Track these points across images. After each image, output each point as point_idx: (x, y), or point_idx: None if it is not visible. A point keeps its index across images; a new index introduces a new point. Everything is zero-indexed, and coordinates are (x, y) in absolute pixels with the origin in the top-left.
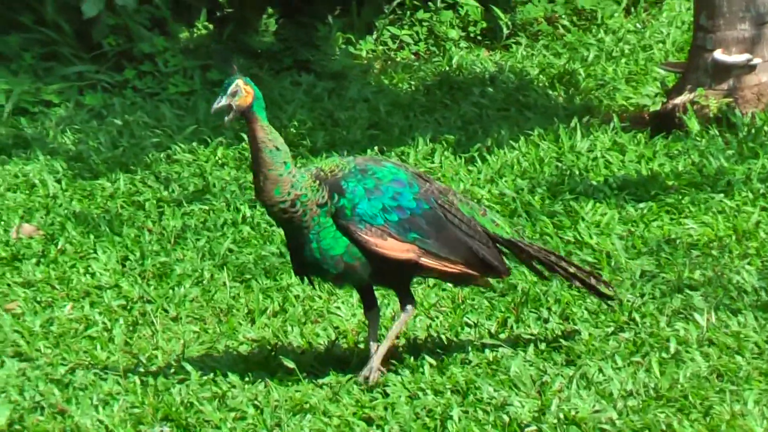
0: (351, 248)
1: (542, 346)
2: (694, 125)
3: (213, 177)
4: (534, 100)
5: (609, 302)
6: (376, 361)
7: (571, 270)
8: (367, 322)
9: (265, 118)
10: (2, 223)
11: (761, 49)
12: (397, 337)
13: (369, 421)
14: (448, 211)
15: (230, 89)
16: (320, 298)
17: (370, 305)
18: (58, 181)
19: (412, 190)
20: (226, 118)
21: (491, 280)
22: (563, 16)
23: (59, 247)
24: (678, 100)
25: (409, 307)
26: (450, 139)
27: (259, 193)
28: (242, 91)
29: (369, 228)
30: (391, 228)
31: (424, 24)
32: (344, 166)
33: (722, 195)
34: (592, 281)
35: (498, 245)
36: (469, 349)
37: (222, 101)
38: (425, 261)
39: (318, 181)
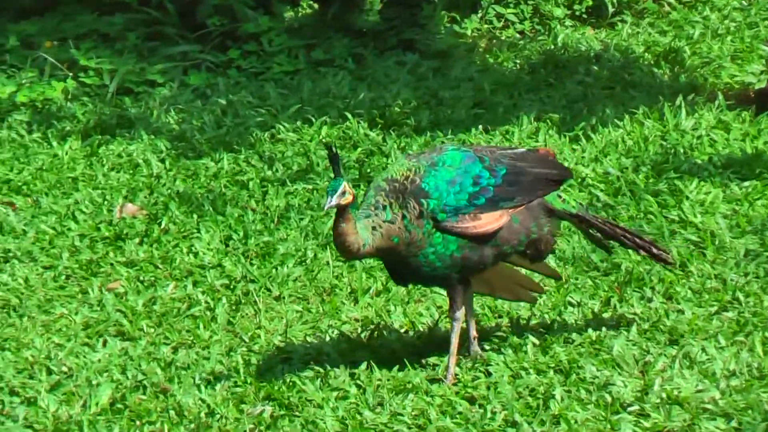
0: (458, 240)
1: (645, 325)
2: None
3: (317, 156)
4: (639, 78)
5: (669, 268)
6: (452, 360)
7: (633, 239)
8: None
9: (354, 213)
10: (106, 202)
11: None
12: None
13: (471, 401)
14: (516, 160)
15: (339, 190)
16: None
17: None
18: (162, 161)
19: (483, 164)
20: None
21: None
22: None
23: (162, 226)
24: None
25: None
26: (554, 118)
27: (354, 259)
28: (348, 193)
29: (462, 217)
30: (481, 211)
31: (530, 2)
32: (416, 168)
33: None
34: (654, 250)
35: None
36: (572, 328)
37: (332, 202)
38: (515, 215)
39: (400, 196)
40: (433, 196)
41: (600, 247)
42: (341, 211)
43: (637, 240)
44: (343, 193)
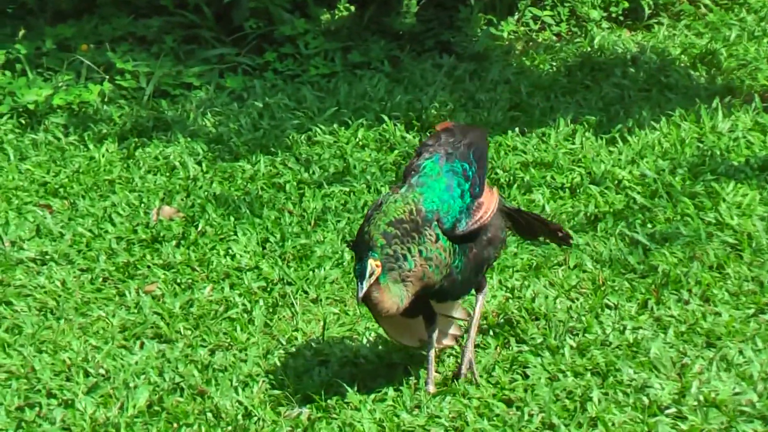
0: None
1: (682, 327)
2: None
3: (353, 159)
4: (675, 80)
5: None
6: (468, 354)
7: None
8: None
9: (386, 280)
10: (143, 205)
11: None
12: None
13: (509, 403)
14: (460, 141)
15: (367, 272)
16: None
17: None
18: (199, 164)
19: (453, 156)
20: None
21: None
22: None
23: (199, 229)
24: None
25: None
26: (591, 120)
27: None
28: (375, 269)
29: (472, 212)
30: (479, 197)
31: (566, 4)
32: (410, 197)
33: None
34: (558, 234)
35: None
36: (610, 330)
37: (364, 287)
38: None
39: (414, 234)
40: (443, 210)
41: (559, 241)
42: (373, 283)
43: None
44: (372, 273)
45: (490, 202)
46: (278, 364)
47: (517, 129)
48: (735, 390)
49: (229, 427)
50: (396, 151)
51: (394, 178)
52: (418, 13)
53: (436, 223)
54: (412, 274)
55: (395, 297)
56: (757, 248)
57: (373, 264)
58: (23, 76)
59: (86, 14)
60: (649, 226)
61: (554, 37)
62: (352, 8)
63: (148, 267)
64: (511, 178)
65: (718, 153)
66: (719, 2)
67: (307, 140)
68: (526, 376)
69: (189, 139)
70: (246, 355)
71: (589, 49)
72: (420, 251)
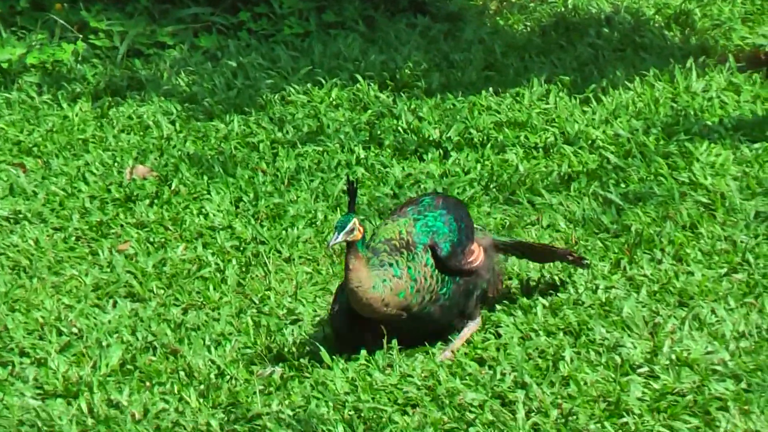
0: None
1: (655, 287)
2: None
3: (327, 118)
4: (649, 40)
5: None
6: (457, 343)
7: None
8: None
9: (363, 250)
10: (116, 164)
11: None
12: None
13: (481, 362)
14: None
15: (348, 227)
16: None
17: None
18: (172, 123)
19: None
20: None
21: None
22: None
23: (173, 188)
24: None
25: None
26: (565, 80)
27: (365, 308)
28: (357, 230)
29: (465, 252)
30: (469, 245)
31: None
32: (403, 223)
33: None
34: (569, 257)
35: None
36: (582, 290)
37: (339, 238)
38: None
39: (404, 251)
40: (439, 236)
41: (572, 264)
42: (350, 248)
43: (558, 251)
44: (352, 230)
45: (479, 253)
46: (251, 323)
47: (491, 89)
48: (707, 349)
49: (202, 386)
50: (369, 111)
51: (367, 138)
52: None
53: (429, 250)
54: (394, 280)
55: (374, 277)
56: (730, 208)
57: (356, 223)
58: None
59: None
60: (623, 185)
61: None
62: None
63: (122, 226)
64: (485, 137)
65: (692, 113)
66: None
67: (281, 100)
68: (498, 336)
69: (163, 99)
70: (219, 314)
71: (563, 9)
72: (408, 267)
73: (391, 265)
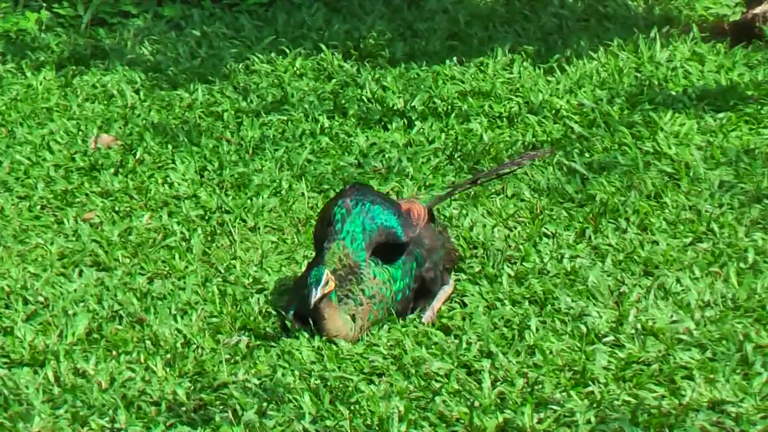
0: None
1: (620, 256)
2: None
3: (291, 87)
4: (614, 10)
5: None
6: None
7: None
8: None
9: (335, 300)
10: (81, 133)
11: None
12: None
13: (447, 331)
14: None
15: (323, 280)
16: None
17: None
18: (137, 92)
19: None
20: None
21: None
22: None
23: (137, 157)
24: (758, 10)
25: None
26: (529, 50)
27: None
28: (331, 282)
29: (410, 220)
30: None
31: None
32: (335, 248)
33: None
34: (525, 159)
35: None
36: (547, 259)
37: (317, 294)
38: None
39: (351, 278)
40: (386, 224)
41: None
42: (323, 298)
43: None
44: (327, 282)
45: (413, 203)
46: (217, 292)
47: (455, 58)
48: (672, 318)
49: (168, 355)
50: (334, 80)
51: (332, 107)
52: None
53: (371, 262)
54: (359, 309)
55: (346, 321)
56: (695, 177)
57: (329, 274)
58: None
59: None
60: (587, 155)
61: None
62: None
63: (87, 195)
64: (449, 107)
65: (656, 83)
66: None
67: (245, 69)
68: (464, 305)
69: (127, 68)
70: (184, 283)
71: None
72: (362, 291)
73: (348, 296)
